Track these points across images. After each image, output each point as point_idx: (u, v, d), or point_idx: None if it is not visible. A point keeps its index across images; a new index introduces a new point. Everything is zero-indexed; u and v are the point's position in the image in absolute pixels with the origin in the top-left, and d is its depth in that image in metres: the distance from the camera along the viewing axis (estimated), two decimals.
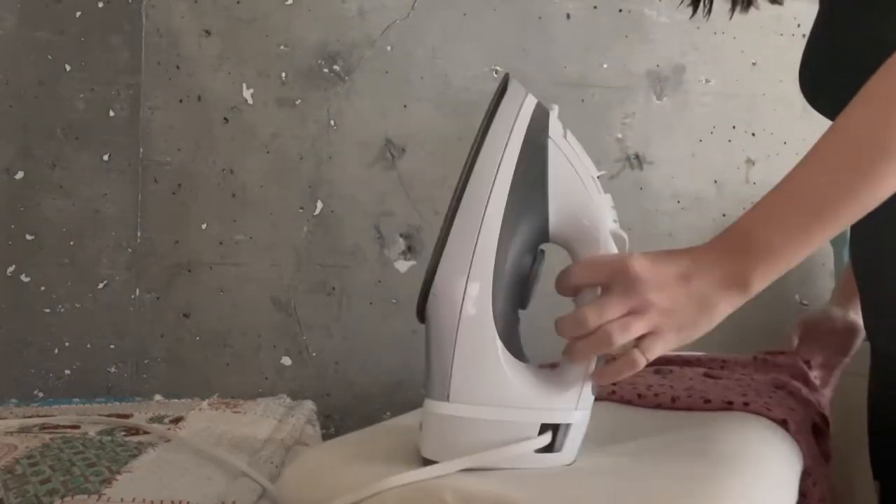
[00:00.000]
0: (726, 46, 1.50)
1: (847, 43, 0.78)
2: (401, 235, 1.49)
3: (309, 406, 1.27)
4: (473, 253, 0.59)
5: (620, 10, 1.50)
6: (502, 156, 0.61)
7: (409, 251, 1.49)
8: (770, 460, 0.68)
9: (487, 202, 0.59)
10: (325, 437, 1.31)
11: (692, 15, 0.94)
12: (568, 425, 0.60)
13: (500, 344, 0.60)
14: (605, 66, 1.50)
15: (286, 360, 1.49)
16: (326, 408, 1.44)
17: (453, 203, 0.60)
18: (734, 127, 1.50)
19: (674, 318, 0.59)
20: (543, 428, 0.60)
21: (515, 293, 0.61)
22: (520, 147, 0.61)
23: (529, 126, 0.62)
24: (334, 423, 1.47)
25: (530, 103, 0.63)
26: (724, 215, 1.51)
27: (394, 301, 1.49)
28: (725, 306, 0.60)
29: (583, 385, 0.61)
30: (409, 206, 1.49)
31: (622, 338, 0.58)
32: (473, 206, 0.59)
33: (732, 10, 0.92)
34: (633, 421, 0.77)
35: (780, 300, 1.49)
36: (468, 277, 0.59)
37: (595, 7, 1.50)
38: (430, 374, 0.62)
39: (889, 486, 0.87)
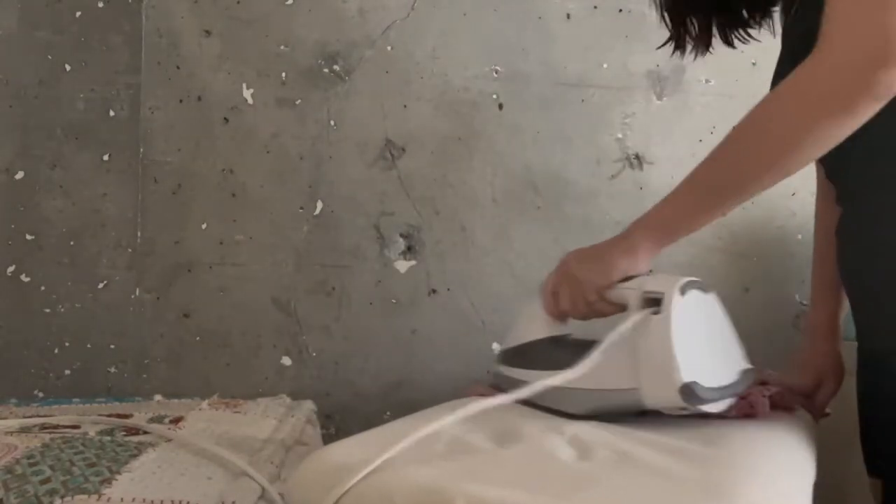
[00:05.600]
0: (726, 46, 1.49)
1: None
2: (401, 235, 1.49)
3: (309, 406, 1.27)
4: None
5: (620, 10, 1.50)
6: None
7: (409, 251, 1.49)
8: (782, 467, 0.68)
9: None
10: (325, 437, 1.31)
11: (681, 56, 1.01)
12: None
13: None
14: (605, 66, 1.50)
15: (286, 360, 1.49)
16: (326, 408, 1.44)
17: None
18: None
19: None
20: None
21: None
22: None
23: None
24: (334, 423, 1.47)
25: None
26: (723, 214, 1.51)
27: (394, 301, 1.49)
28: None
29: None
30: (409, 206, 1.49)
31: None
32: None
33: (695, 53, 1.01)
34: (627, 422, 0.77)
35: (781, 300, 1.49)
36: None
37: (595, 7, 1.50)
38: None
39: (890, 482, 0.87)
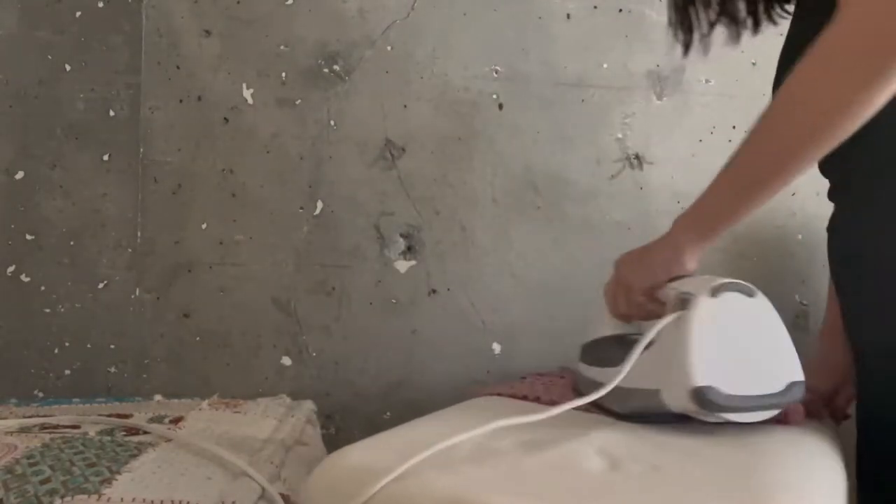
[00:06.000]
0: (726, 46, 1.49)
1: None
2: (401, 235, 1.49)
3: (309, 406, 1.27)
4: None
5: (620, 10, 1.50)
6: None
7: (409, 251, 1.49)
8: (814, 476, 0.66)
9: None
10: (325, 437, 1.32)
11: (685, 55, 1.00)
12: None
13: None
14: (605, 66, 1.49)
15: (286, 360, 1.49)
16: (326, 408, 1.44)
17: None
18: (734, 127, 1.50)
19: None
20: None
21: None
22: None
23: None
24: (334, 423, 1.47)
25: None
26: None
27: (394, 301, 1.49)
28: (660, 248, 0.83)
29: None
30: (409, 206, 1.49)
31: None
32: None
33: (739, 34, 0.96)
34: (663, 428, 0.75)
35: (780, 300, 1.49)
36: None
37: (595, 7, 1.50)
38: None
39: (862, 486, 0.86)
